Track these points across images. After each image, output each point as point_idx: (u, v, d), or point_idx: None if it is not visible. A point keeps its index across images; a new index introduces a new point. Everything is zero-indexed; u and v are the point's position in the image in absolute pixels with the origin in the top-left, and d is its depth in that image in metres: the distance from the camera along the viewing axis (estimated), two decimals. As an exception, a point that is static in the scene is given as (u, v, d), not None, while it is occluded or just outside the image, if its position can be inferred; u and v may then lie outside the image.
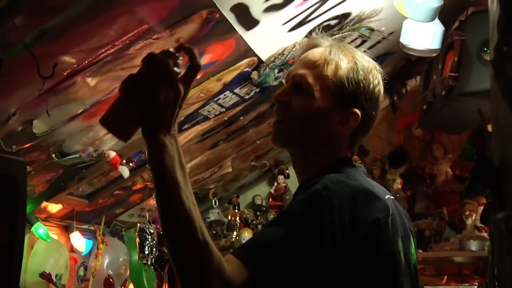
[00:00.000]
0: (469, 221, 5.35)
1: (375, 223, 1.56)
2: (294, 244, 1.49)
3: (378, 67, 1.83)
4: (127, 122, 1.55)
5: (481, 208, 5.32)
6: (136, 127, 1.54)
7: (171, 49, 1.55)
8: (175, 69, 1.52)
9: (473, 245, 5.05)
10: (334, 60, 1.76)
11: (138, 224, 4.81)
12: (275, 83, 3.57)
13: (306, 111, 1.75)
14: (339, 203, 1.52)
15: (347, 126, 1.76)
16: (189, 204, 1.46)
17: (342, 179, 1.62)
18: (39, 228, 3.64)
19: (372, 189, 1.64)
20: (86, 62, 2.52)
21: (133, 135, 1.56)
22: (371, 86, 1.77)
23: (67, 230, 4.31)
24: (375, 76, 1.80)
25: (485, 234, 5.17)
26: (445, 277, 5.53)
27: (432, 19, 3.18)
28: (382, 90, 1.82)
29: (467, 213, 5.38)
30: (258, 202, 6.13)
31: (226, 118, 4.01)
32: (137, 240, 4.74)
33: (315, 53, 1.81)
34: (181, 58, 1.54)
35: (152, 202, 4.81)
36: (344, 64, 1.76)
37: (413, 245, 1.74)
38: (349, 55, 1.79)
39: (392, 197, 1.71)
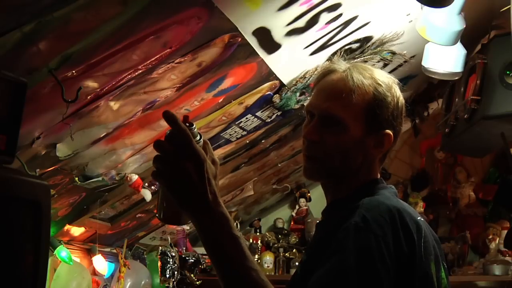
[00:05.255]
0: (493, 245, 5.28)
1: (412, 244, 1.54)
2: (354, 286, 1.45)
3: (393, 78, 1.82)
4: (176, 210, 1.53)
5: (504, 232, 5.24)
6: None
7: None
8: (197, 139, 1.49)
9: (497, 270, 4.98)
10: (358, 86, 1.73)
11: (160, 247, 4.81)
12: (297, 106, 3.57)
13: (341, 145, 1.72)
14: (380, 231, 1.50)
15: (382, 149, 1.76)
16: (241, 273, 1.45)
17: (376, 202, 1.60)
18: (62, 251, 3.65)
19: (405, 208, 1.62)
20: (109, 86, 2.54)
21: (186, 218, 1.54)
22: (395, 102, 1.77)
23: (89, 253, 4.31)
24: (395, 90, 1.79)
25: (509, 258, 5.11)
26: (469, 301, 5.47)
27: (455, 43, 3.18)
28: (403, 101, 1.81)
29: (490, 237, 5.31)
30: (280, 225, 6.10)
31: (247, 141, 4.02)
32: (159, 263, 4.74)
33: (336, 82, 1.77)
34: (194, 125, 1.51)
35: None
36: (368, 88, 1.74)
37: (443, 269, 1.70)
38: (369, 77, 1.76)
39: (423, 220, 1.68)
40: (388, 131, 1.75)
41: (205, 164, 1.46)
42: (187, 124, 1.48)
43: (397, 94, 1.79)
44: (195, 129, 1.50)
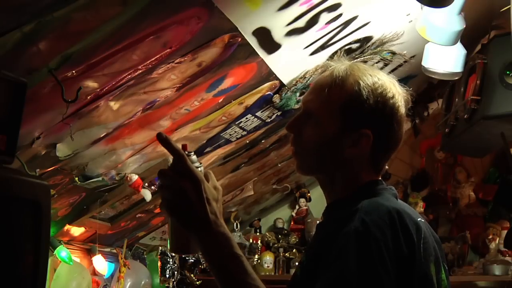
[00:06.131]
0: (493, 245, 5.28)
1: (411, 245, 1.54)
2: None
3: (392, 80, 1.76)
4: (185, 239, 1.56)
5: (504, 232, 5.24)
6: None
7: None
8: (196, 165, 1.52)
9: (497, 270, 4.98)
10: (337, 82, 1.71)
11: (160, 247, 4.81)
12: (297, 106, 3.57)
13: (316, 140, 1.72)
14: (380, 234, 1.50)
15: (360, 149, 1.70)
16: None
17: (375, 204, 1.59)
18: (62, 251, 3.65)
19: (405, 210, 1.61)
20: (109, 86, 2.54)
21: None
22: (381, 102, 1.70)
23: (89, 253, 4.32)
24: (387, 90, 1.71)
25: (509, 258, 5.11)
26: (469, 301, 5.47)
27: (454, 43, 3.17)
28: (399, 103, 1.73)
29: (490, 237, 5.32)
30: (280, 225, 6.10)
31: (247, 141, 4.02)
32: (159, 263, 4.74)
33: (322, 78, 1.77)
34: (193, 152, 1.54)
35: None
36: (348, 86, 1.70)
37: (443, 271, 1.69)
38: (352, 75, 1.72)
39: (424, 220, 1.67)
40: (365, 131, 1.68)
41: (202, 184, 1.49)
42: (186, 152, 1.52)
43: (387, 94, 1.71)
44: (194, 156, 1.54)
